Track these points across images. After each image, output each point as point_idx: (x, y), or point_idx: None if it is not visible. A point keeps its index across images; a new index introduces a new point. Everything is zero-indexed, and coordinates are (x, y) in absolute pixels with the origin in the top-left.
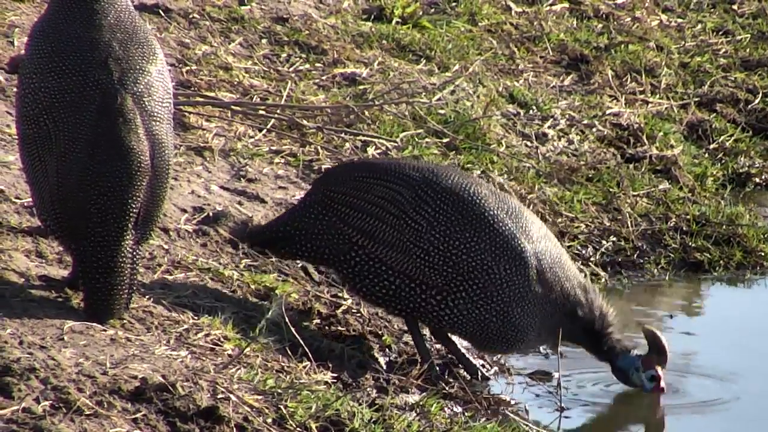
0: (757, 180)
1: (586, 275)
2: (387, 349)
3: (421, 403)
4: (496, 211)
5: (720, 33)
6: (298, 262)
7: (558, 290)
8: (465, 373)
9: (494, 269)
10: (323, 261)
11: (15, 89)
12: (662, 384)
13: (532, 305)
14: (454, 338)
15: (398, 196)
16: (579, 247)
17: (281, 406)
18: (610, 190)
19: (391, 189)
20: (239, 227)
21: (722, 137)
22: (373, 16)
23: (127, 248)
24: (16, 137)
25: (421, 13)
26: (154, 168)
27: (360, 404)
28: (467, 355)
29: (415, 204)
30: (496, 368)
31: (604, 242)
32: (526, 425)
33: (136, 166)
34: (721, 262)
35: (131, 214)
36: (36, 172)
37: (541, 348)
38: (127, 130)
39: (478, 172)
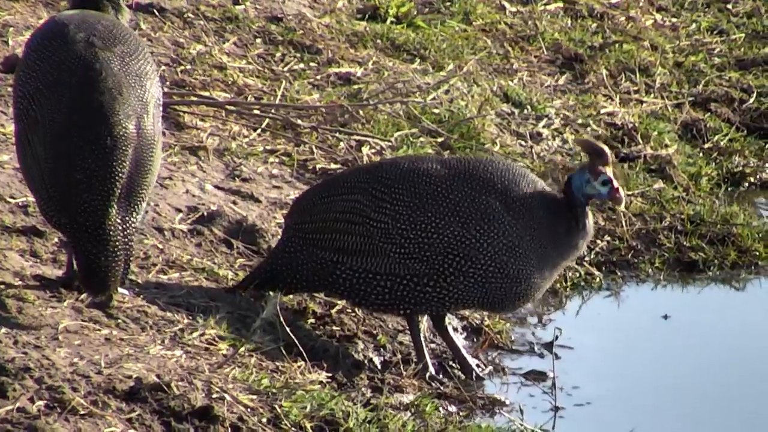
0: (752, 179)
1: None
2: (382, 349)
3: (415, 402)
4: (447, 181)
5: (714, 32)
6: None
7: (531, 217)
8: (460, 372)
9: (466, 235)
10: (316, 288)
11: (9, 89)
12: (616, 184)
13: (520, 248)
14: (455, 335)
15: (357, 204)
16: None
17: (276, 406)
18: None
19: (348, 200)
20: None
21: (717, 137)
22: (367, 16)
23: (116, 217)
24: (12, 137)
25: (415, 12)
26: (139, 137)
27: (355, 404)
28: (464, 353)
29: (374, 206)
30: (491, 368)
31: (598, 241)
32: (521, 425)
33: (120, 131)
34: (716, 261)
35: (116, 179)
36: (27, 159)
37: (536, 347)
38: (111, 98)
39: None
